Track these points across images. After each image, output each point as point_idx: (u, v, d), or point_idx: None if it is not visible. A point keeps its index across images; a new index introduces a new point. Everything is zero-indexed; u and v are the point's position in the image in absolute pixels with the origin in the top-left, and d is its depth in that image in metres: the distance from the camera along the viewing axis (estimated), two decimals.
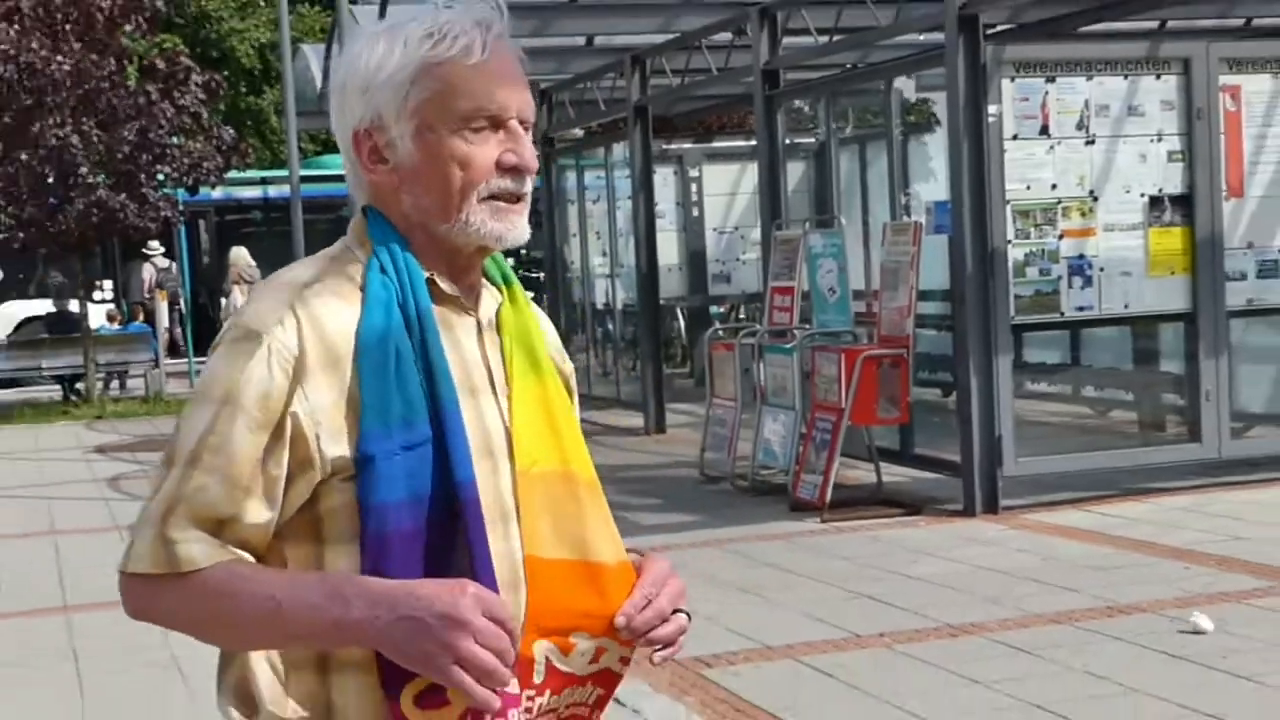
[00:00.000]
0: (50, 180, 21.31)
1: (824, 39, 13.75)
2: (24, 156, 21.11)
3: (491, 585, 2.13)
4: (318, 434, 2.14)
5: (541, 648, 2.20)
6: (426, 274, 2.25)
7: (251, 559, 2.17)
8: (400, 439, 2.14)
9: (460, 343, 2.27)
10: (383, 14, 18.10)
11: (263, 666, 2.22)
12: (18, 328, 26.38)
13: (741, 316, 19.47)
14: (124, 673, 7.84)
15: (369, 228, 2.28)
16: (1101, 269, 11.29)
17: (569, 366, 2.50)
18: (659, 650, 2.29)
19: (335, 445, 2.15)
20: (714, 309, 20.84)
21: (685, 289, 20.76)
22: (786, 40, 14.14)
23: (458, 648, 2.04)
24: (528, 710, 2.20)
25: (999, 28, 14.75)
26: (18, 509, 13.55)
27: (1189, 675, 6.91)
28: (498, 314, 2.34)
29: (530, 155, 2.26)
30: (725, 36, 15.60)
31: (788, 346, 12.50)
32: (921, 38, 13.43)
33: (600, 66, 18.07)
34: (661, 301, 18.07)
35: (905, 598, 8.67)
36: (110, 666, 7.97)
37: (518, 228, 2.26)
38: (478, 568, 2.14)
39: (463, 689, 2.06)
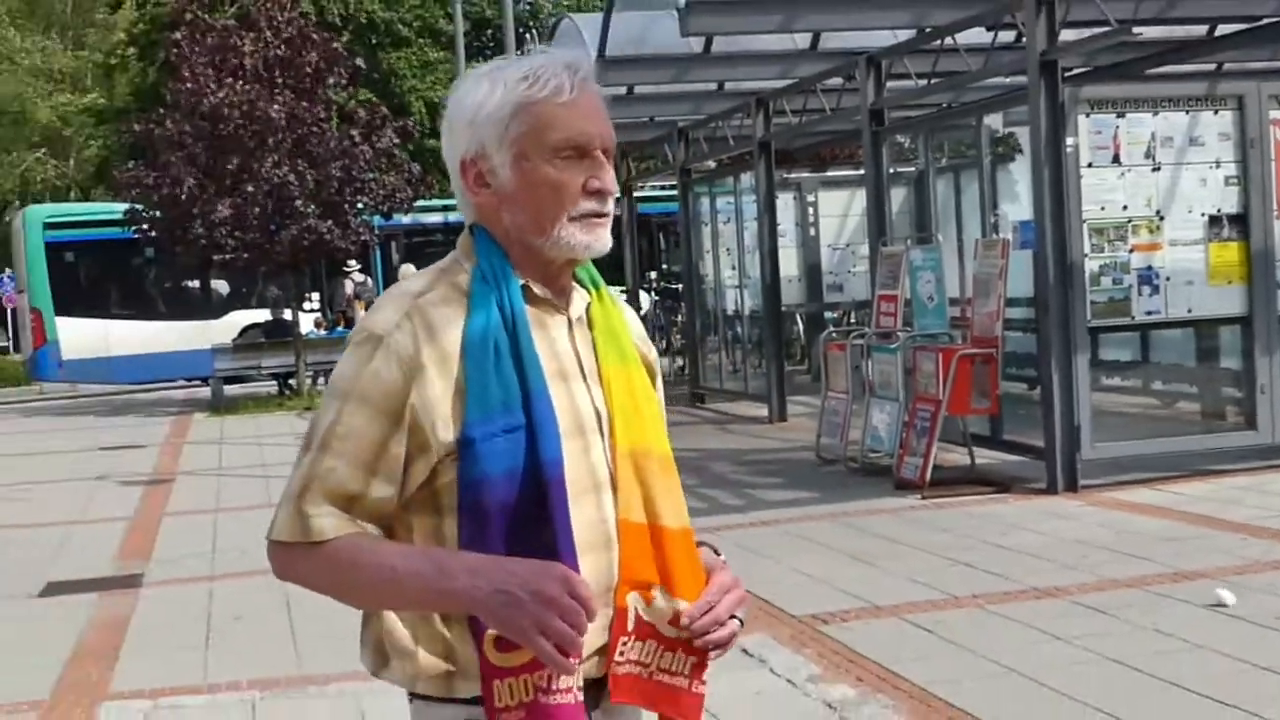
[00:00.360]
0: (270, 211, 21.69)
1: (923, 82, 13.60)
2: (250, 189, 21.50)
3: (570, 551, 2.17)
4: (433, 422, 2.18)
5: (631, 599, 2.24)
6: (522, 281, 2.28)
7: (378, 531, 2.23)
8: (500, 424, 2.17)
9: (553, 338, 2.30)
10: None
11: (395, 623, 2.27)
12: (242, 333, 26.80)
13: (853, 321, 19.32)
14: (327, 619, 7.92)
15: (475, 243, 2.33)
16: (1168, 278, 11.08)
17: (653, 354, 2.51)
18: (714, 651, 2.30)
19: (446, 431, 2.18)
20: (828, 314, 20.72)
21: (803, 297, 20.74)
22: (890, 84, 14.00)
23: (543, 620, 2.08)
24: (621, 653, 2.24)
25: (1075, 70, 14.56)
26: (241, 486, 13.78)
27: (1247, 633, 6.73)
28: (587, 312, 2.36)
29: (611, 180, 2.30)
30: (837, 81, 15.48)
31: (892, 346, 12.38)
32: (1007, 80, 13.26)
33: (730, 108, 18.03)
34: (783, 308, 17.98)
35: (996, 565, 8.54)
36: (316, 614, 8.06)
37: (602, 240, 2.30)
38: (559, 536, 2.17)
39: (542, 656, 2.11)
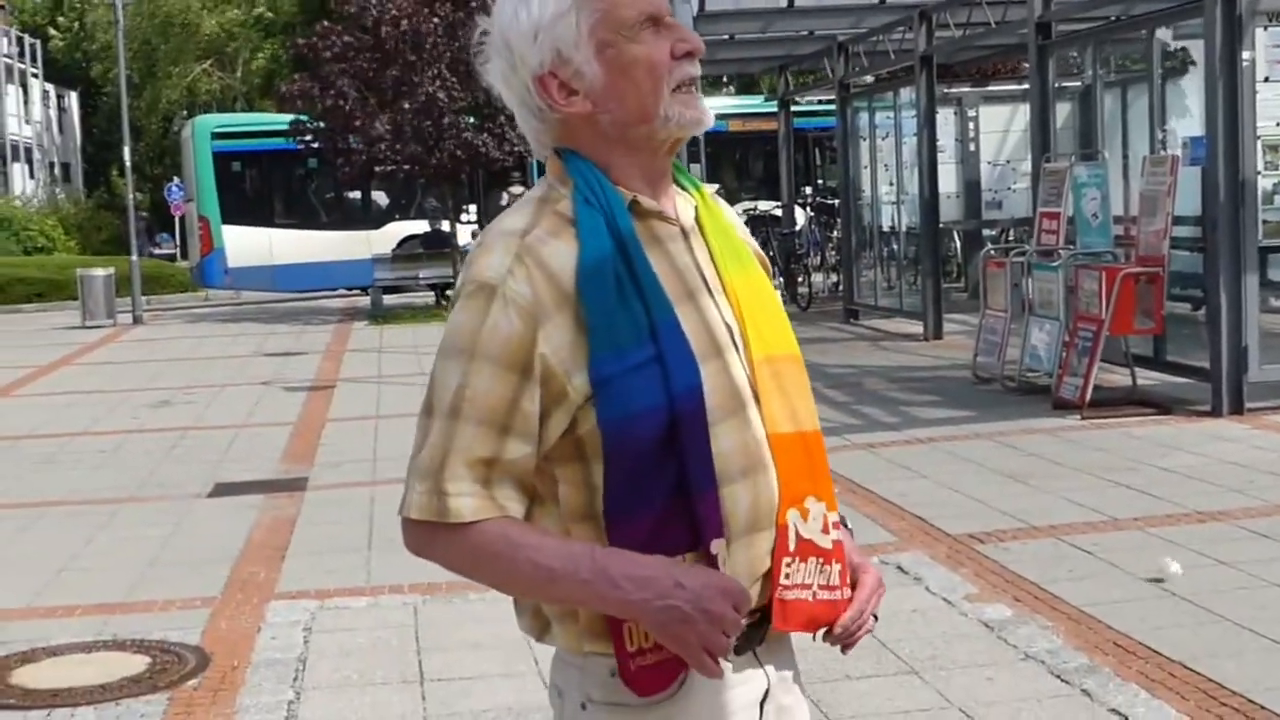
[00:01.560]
0: (426, 125, 21.86)
1: None
2: (405, 105, 21.69)
3: (711, 485, 2.06)
4: (566, 369, 2.04)
5: (792, 516, 2.14)
6: (629, 196, 2.13)
7: (520, 508, 2.10)
8: (633, 358, 2.04)
9: (670, 253, 2.15)
10: None
11: None
12: (400, 244, 27.14)
13: (1012, 239, 18.99)
14: None
15: (566, 166, 2.15)
16: None
17: (761, 252, 2.37)
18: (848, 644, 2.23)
19: (581, 376, 2.04)
20: (987, 232, 20.39)
21: (962, 214, 20.43)
22: None
23: (709, 640, 2.01)
24: (786, 576, 2.13)
25: None
26: (400, 394, 13.98)
27: None
28: (697, 217, 2.22)
29: (696, 39, 2.16)
30: None
31: (1054, 264, 12.14)
32: None
33: (891, 21, 17.73)
34: (940, 225, 17.76)
35: (1158, 487, 8.38)
36: None
37: (706, 111, 2.16)
38: (698, 470, 2.05)
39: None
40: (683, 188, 2.25)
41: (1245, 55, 10.46)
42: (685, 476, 2.05)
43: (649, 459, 2.05)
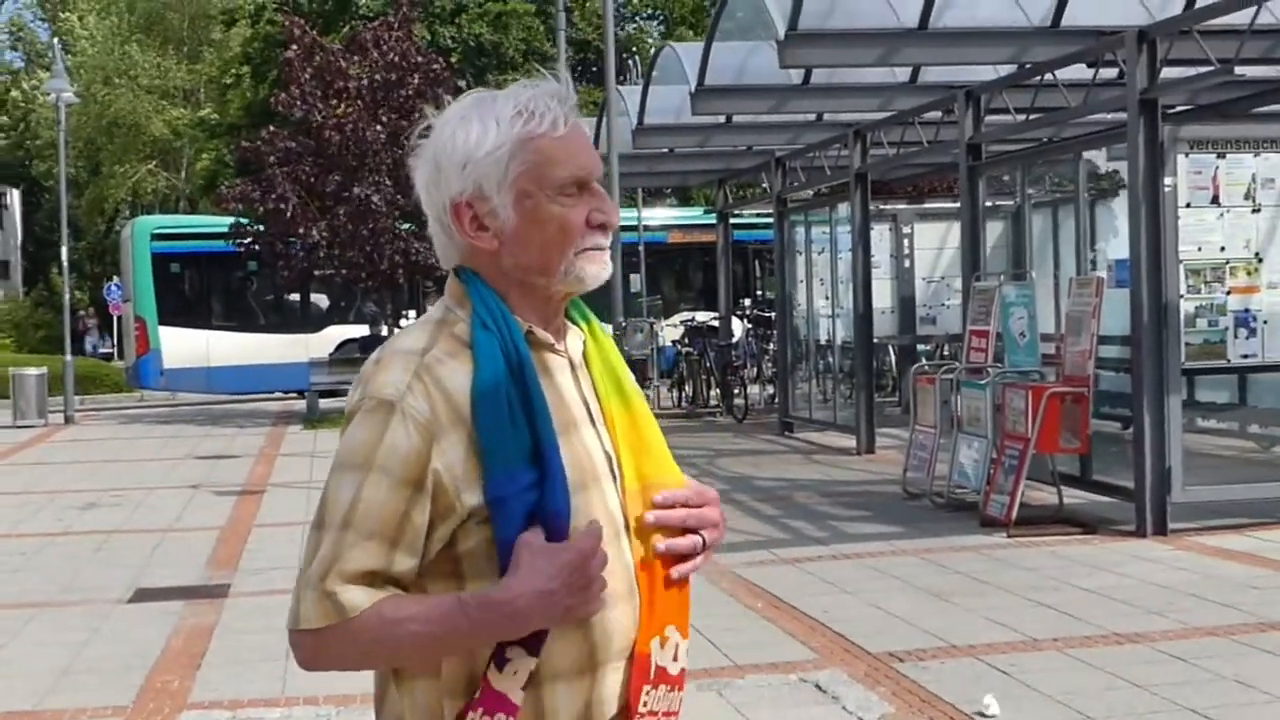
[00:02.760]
0: (362, 231, 21.94)
1: (1021, 117, 13.48)
2: (340, 211, 21.82)
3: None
4: (457, 486, 2.07)
5: (654, 645, 2.18)
6: (525, 326, 2.18)
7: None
8: (522, 480, 2.08)
9: (558, 383, 2.20)
10: (644, 96, 18.30)
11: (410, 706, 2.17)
12: (339, 348, 27.10)
13: (946, 354, 19.17)
14: None
15: (466, 288, 2.20)
16: (1265, 321, 10.92)
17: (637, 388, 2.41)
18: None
19: (471, 494, 2.08)
20: (921, 347, 20.58)
21: (897, 329, 20.63)
22: (989, 118, 13.91)
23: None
24: (644, 705, 2.17)
25: (1178, 108, 14.33)
26: None
27: None
28: (584, 353, 2.28)
29: (614, 211, 2.22)
30: (936, 114, 15.40)
31: (982, 382, 12.26)
32: (1109, 116, 13.11)
33: (827, 138, 18.01)
34: (875, 339, 17.92)
35: (1079, 607, 8.42)
36: None
37: (607, 268, 2.22)
38: None
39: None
40: (573, 321, 2.30)
41: (1168, 181, 10.68)
42: None
43: None
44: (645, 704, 2.17)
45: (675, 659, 2.21)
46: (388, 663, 2.15)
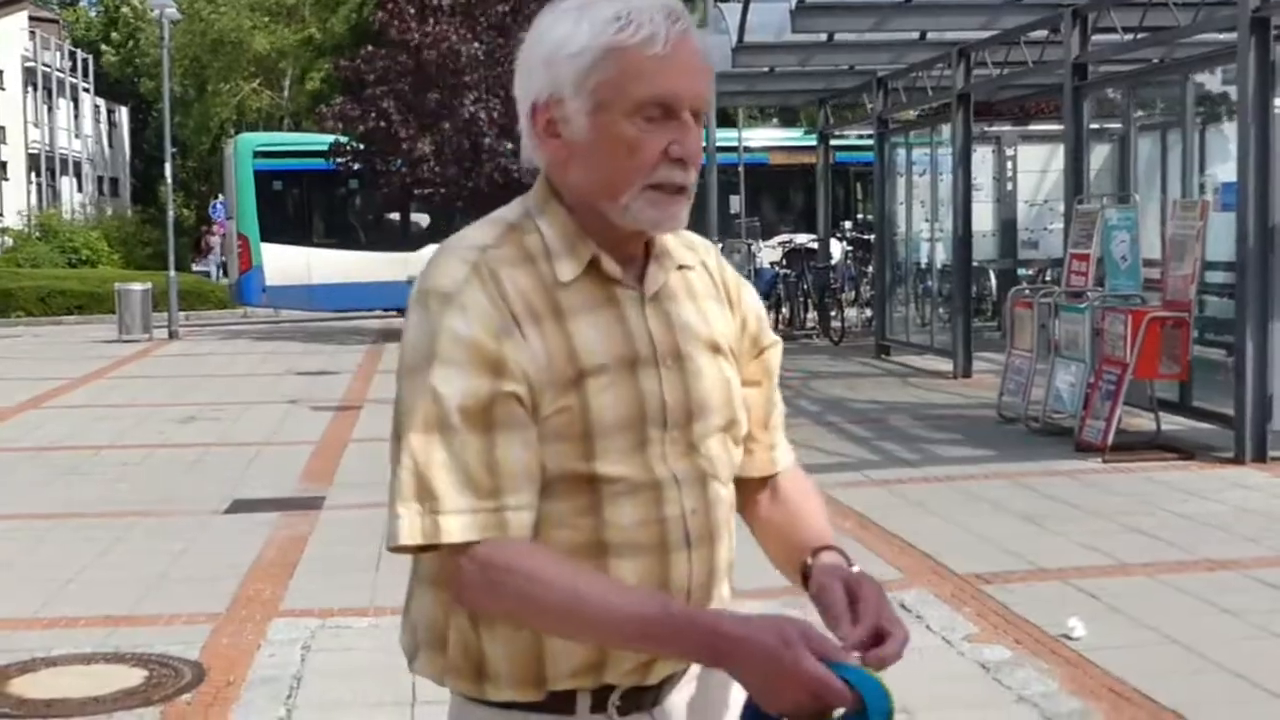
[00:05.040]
0: (466, 148, 22.01)
1: (1129, 36, 13.21)
2: (446, 126, 21.84)
3: None
4: (535, 385, 1.97)
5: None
6: (590, 253, 2.04)
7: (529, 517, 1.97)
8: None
9: (625, 317, 2.04)
10: (744, 13, 18.11)
11: (428, 612, 2.10)
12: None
13: (1048, 279, 18.93)
14: None
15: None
16: None
17: (755, 318, 2.26)
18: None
19: (552, 392, 1.97)
20: (1022, 271, 20.34)
21: (998, 253, 20.43)
22: (1096, 37, 13.65)
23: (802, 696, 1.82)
24: None
25: None
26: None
27: None
28: (668, 285, 2.10)
29: (697, 149, 2.03)
30: (1041, 33, 15.13)
31: (1081, 306, 12.10)
32: (1221, 36, 12.81)
33: (930, 58, 17.76)
34: (975, 263, 17.74)
35: (1172, 533, 8.33)
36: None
37: (676, 218, 2.03)
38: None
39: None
40: (688, 248, 2.18)
41: (1278, 103, 10.43)
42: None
43: None
44: None
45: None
46: (540, 613, 1.94)
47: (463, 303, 1.96)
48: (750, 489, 2.24)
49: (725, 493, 2.13)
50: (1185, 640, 6.23)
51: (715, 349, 2.13)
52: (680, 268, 2.15)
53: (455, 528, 1.93)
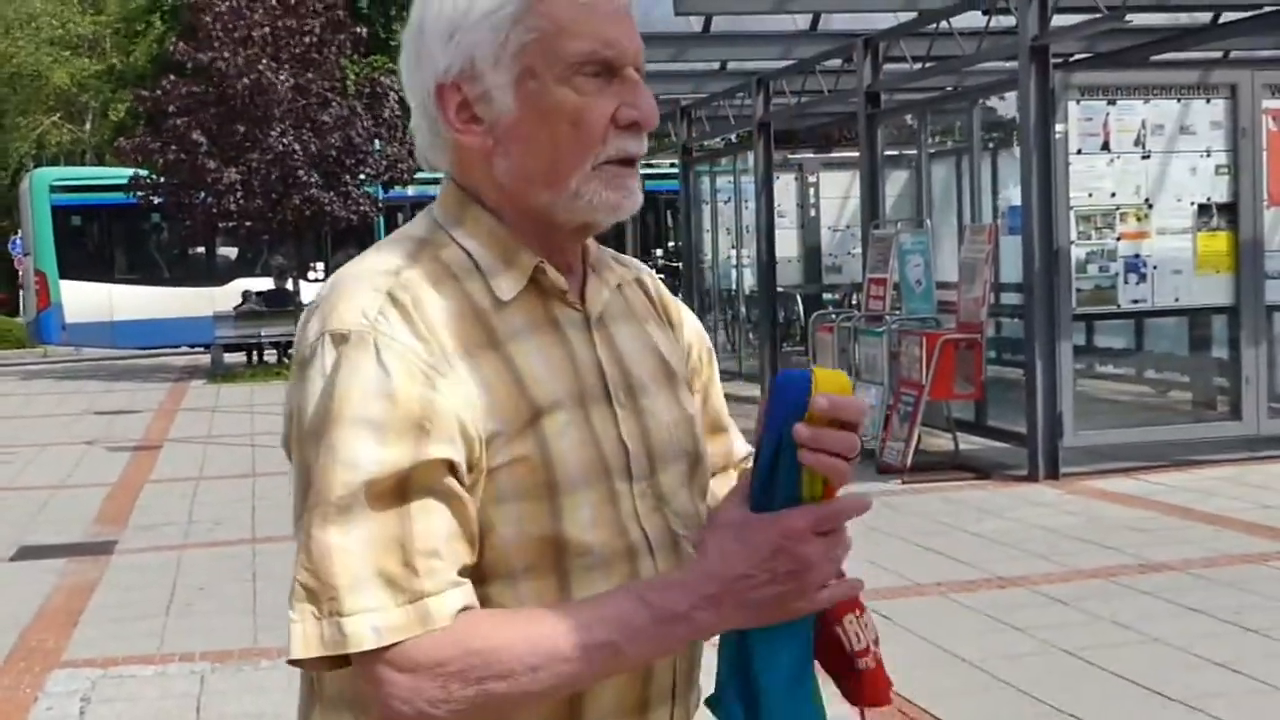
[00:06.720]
0: (274, 179, 21.68)
1: (919, 65, 13.49)
2: (254, 157, 21.50)
3: None
4: (476, 431, 1.55)
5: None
6: (532, 261, 1.64)
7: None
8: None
9: (569, 341, 1.66)
10: None
11: None
12: (242, 299, 26.79)
13: (852, 303, 19.23)
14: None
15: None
16: (1154, 267, 11.00)
17: (700, 344, 1.94)
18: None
19: (492, 435, 1.57)
20: (827, 296, 20.62)
21: (803, 278, 20.62)
22: (887, 66, 13.90)
23: (804, 572, 1.59)
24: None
25: (1075, 56, 14.41)
26: (226, 455, 13.74)
27: (1203, 628, 6.66)
28: (612, 308, 1.74)
29: (652, 109, 1.65)
30: (836, 62, 15.37)
31: (879, 330, 12.29)
32: (1007, 64, 13.14)
33: (731, 87, 17.93)
34: (781, 289, 17.94)
35: (965, 552, 8.47)
36: (281, 585, 8.01)
37: (634, 195, 1.66)
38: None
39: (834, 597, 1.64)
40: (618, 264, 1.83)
41: (1058, 128, 10.72)
42: None
43: None
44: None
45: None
46: (512, 684, 1.49)
47: (379, 343, 1.52)
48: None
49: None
50: (973, 658, 6.31)
51: (670, 378, 1.77)
52: (618, 286, 1.79)
53: (365, 631, 1.46)
